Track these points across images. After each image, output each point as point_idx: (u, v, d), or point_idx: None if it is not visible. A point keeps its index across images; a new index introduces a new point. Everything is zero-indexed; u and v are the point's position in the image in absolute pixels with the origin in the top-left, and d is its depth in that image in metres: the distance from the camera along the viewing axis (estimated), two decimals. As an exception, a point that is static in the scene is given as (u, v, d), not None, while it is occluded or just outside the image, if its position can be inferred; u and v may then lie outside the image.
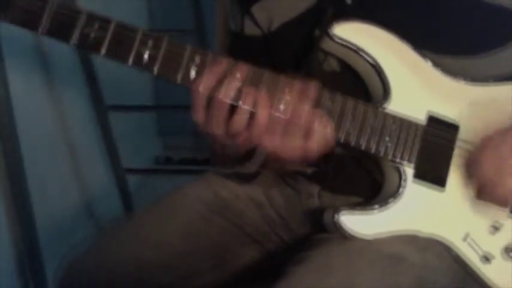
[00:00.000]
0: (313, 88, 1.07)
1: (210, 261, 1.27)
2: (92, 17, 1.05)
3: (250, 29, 1.28)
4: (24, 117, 1.87)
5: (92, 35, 1.05)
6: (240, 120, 1.06)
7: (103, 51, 1.05)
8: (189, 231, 1.28)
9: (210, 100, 1.06)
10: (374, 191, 1.18)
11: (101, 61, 1.07)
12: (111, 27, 1.05)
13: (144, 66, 1.06)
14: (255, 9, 1.26)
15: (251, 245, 1.30)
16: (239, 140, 1.08)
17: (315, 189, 1.26)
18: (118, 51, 1.05)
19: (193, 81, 1.06)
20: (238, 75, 1.06)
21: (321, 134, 1.08)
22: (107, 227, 2.18)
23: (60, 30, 1.05)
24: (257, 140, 1.07)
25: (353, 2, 1.17)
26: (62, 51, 2.05)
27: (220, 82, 1.05)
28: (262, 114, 1.05)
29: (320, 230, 1.17)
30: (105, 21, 1.05)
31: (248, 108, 1.05)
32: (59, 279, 1.27)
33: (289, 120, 1.06)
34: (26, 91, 1.94)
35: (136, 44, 1.05)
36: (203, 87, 1.05)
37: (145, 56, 1.06)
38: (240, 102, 1.05)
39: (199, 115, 1.07)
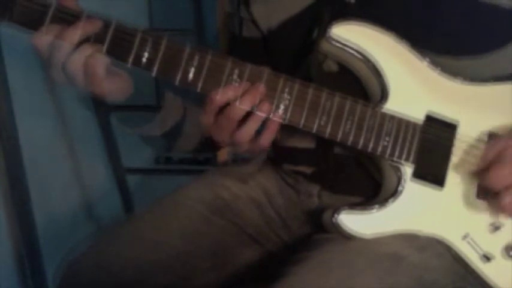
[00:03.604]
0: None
1: (210, 262, 1.27)
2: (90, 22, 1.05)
3: (249, 29, 1.29)
4: (24, 117, 1.87)
5: (92, 36, 1.05)
6: (249, 131, 1.09)
7: (103, 52, 1.05)
8: (189, 232, 1.28)
9: (223, 108, 1.08)
10: (374, 190, 1.18)
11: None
12: (111, 28, 1.05)
13: (144, 66, 1.06)
14: (255, 8, 1.26)
15: (251, 245, 1.30)
16: (242, 148, 1.10)
17: (315, 189, 1.26)
18: (118, 52, 1.06)
19: (213, 89, 1.07)
20: (259, 92, 1.08)
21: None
22: (107, 227, 2.18)
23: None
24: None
25: (356, 2, 1.17)
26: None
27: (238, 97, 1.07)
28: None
29: (320, 230, 1.17)
30: (105, 22, 1.05)
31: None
32: (59, 279, 1.27)
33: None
34: (26, 91, 1.95)
35: (136, 44, 1.05)
36: (221, 97, 1.07)
37: (145, 57, 1.06)
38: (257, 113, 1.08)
39: (209, 120, 1.09)
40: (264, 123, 1.09)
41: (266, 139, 1.10)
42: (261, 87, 1.08)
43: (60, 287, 1.27)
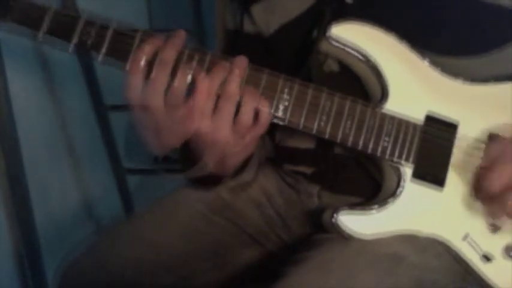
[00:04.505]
0: (240, 64, 1.06)
1: (210, 261, 1.27)
2: (90, 23, 1.05)
3: (249, 28, 1.28)
4: (24, 117, 1.87)
5: (89, 41, 1.05)
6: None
7: (100, 57, 1.05)
8: (189, 231, 1.28)
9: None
10: (374, 191, 1.18)
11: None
12: (109, 32, 1.05)
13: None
14: (255, 9, 1.26)
15: (251, 245, 1.30)
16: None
17: (315, 189, 1.26)
18: (117, 53, 1.05)
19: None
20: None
21: (250, 110, 1.05)
22: (107, 227, 2.18)
23: (59, 35, 1.05)
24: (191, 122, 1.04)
25: (354, 2, 1.17)
26: (62, 52, 2.05)
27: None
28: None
29: (320, 230, 1.17)
30: (103, 27, 1.05)
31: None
32: (59, 279, 1.27)
33: (218, 97, 1.04)
34: (25, 91, 1.95)
35: (135, 45, 1.05)
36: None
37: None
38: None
39: (157, 106, 1.03)
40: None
41: (262, 121, 1.06)
42: (181, 32, 1.05)
43: (60, 287, 1.27)
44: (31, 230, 1.88)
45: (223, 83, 1.04)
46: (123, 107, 1.20)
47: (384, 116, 1.11)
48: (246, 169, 1.21)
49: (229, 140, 1.05)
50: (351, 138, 1.10)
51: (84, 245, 1.29)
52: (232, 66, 1.05)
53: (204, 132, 1.05)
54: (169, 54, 1.04)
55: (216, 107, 1.04)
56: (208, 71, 1.05)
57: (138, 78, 1.04)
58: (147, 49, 1.04)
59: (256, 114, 1.06)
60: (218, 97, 1.04)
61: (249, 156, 1.16)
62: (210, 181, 1.19)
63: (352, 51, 1.12)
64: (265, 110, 1.06)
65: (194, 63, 1.05)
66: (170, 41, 1.04)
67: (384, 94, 1.12)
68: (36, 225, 1.89)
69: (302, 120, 1.09)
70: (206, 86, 1.03)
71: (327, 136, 1.10)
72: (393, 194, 1.13)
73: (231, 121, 1.04)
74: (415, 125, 1.12)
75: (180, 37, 1.05)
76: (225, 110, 1.04)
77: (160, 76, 1.03)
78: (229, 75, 1.04)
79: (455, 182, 1.14)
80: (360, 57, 1.12)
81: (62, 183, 2.22)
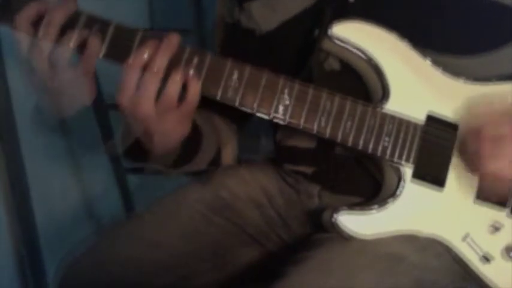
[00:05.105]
0: (168, 39, 1.05)
1: (210, 261, 1.27)
2: (90, 20, 1.05)
3: (246, 26, 1.28)
4: (24, 117, 1.87)
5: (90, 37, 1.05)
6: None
7: (101, 54, 1.05)
8: (189, 231, 1.28)
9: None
10: (374, 191, 1.18)
11: (100, 61, 1.07)
12: (110, 30, 1.05)
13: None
14: (254, 6, 1.26)
15: (251, 245, 1.30)
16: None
17: (315, 189, 1.26)
18: (117, 54, 1.05)
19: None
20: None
21: (175, 87, 1.04)
22: (107, 226, 2.18)
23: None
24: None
25: (355, 1, 1.17)
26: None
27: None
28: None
29: (320, 230, 1.17)
30: (104, 24, 1.05)
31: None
32: (59, 279, 1.27)
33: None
34: (25, 91, 1.94)
35: (135, 45, 1.05)
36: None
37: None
38: None
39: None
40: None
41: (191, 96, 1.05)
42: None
43: (60, 287, 1.27)
44: (31, 229, 1.88)
45: (151, 59, 1.03)
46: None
47: (385, 116, 1.11)
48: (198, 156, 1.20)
49: (151, 115, 1.05)
50: (351, 138, 1.10)
51: (84, 245, 1.29)
52: (161, 42, 1.04)
53: (125, 106, 1.05)
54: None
55: (140, 82, 1.04)
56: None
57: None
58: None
59: (185, 93, 1.05)
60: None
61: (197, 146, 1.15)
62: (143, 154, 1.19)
63: (354, 50, 1.12)
64: (193, 87, 1.05)
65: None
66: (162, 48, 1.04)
67: (385, 93, 1.12)
68: (36, 225, 1.89)
69: (302, 120, 1.09)
70: (131, 61, 1.03)
71: (327, 136, 1.10)
72: (393, 194, 1.13)
73: (153, 97, 1.04)
74: (415, 125, 1.12)
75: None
76: (148, 84, 1.03)
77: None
78: (157, 50, 1.04)
79: (456, 183, 1.14)
80: (362, 56, 1.12)
81: (62, 183, 2.22)
